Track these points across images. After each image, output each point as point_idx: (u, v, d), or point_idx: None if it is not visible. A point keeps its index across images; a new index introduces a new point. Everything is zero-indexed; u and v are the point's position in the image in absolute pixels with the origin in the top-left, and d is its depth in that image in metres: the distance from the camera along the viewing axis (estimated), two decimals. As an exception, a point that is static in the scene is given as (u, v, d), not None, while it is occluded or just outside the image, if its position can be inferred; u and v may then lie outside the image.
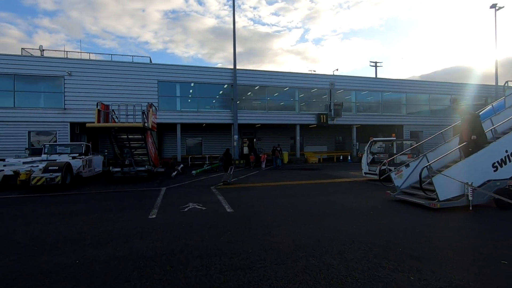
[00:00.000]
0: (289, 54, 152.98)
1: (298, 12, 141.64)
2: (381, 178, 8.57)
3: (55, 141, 18.80)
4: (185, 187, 10.99)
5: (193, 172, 14.61)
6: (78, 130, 20.73)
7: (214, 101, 23.90)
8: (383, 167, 8.90)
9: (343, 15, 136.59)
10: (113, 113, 12.56)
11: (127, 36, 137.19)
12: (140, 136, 12.50)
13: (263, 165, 21.75)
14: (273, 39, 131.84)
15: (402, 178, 7.94)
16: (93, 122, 11.80)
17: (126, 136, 12.39)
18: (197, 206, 7.23)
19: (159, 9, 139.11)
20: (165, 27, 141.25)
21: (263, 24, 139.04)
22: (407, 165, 8.01)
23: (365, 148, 12.25)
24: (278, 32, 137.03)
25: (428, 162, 7.49)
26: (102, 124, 11.15)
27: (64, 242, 4.65)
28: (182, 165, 17.76)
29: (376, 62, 40.39)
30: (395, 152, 11.29)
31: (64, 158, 12.87)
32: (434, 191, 6.59)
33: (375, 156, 12.30)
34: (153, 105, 13.09)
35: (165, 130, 26.21)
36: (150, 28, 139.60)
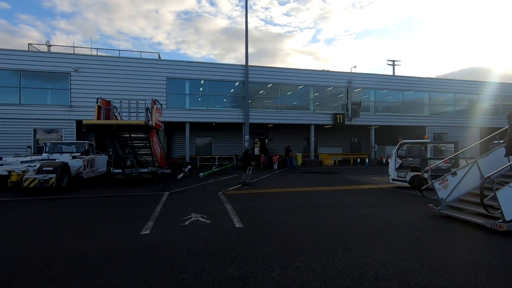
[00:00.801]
0: (301, 55, 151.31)
1: (310, 13, 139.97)
2: (422, 188, 7.18)
3: (61, 140, 18.15)
4: (190, 191, 9.88)
5: (201, 174, 13.53)
6: (84, 128, 19.95)
7: (224, 99, 22.83)
8: (425, 175, 7.50)
9: (356, 15, 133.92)
10: (115, 109, 11.61)
11: (140, 37, 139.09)
12: (144, 135, 11.49)
13: (275, 166, 20.64)
14: (284, 40, 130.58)
15: (448, 189, 6.55)
16: (93, 120, 10.86)
17: (128, 135, 11.40)
18: (200, 219, 6.08)
19: (172, 10, 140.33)
20: (177, 28, 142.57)
21: (275, 25, 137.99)
22: (454, 174, 6.61)
23: (393, 152, 10.83)
24: (290, 32, 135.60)
25: (481, 170, 6.11)
26: (100, 122, 10.19)
27: (19, 271, 3.57)
28: (189, 167, 16.74)
29: (393, 61, 38.49)
30: (428, 156, 9.83)
31: (65, 158, 12.04)
32: (496, 208, 5.22)
33: (404, 160, 10.86)
34: (157, 101, 12.07)
35: (174, 129, 25.37)
36: (163, 29, 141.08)
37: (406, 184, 10.30)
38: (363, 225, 5.64)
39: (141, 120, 10.50)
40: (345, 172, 16.97)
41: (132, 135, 11.44)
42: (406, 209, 7.13)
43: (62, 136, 18.73)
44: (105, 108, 11.08)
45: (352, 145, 31.74)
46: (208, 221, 5.89)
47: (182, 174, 13.91)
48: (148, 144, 11.79)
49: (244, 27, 21.26)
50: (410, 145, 12.17)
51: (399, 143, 10.54)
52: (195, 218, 6.10)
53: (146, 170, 11.69)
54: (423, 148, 10.04)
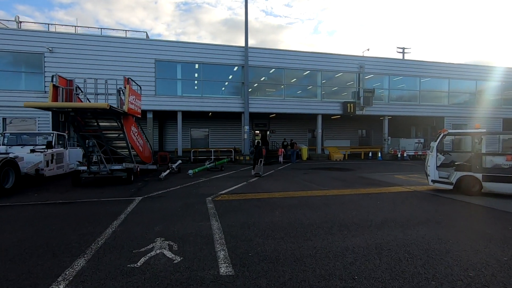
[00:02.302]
0: (302, 46, 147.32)
1: (311, 2, 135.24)
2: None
3: (35, 130, 15.87)
4: (170, 196, 7.59)
5: (190, 172, 11.23)
6: (63, 117, 17.70)
7: (223, 88, 20.39)
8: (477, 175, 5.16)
9: (358, 4, 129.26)
10: (79, 91, 9.24)
11: (140, 28, 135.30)
12: (116, 124, 9.17)
13: (281, 159, 18.87)
14: (285, 31, 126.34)
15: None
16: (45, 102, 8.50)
17: (96, 123, 9.08)
18: (166, 252, 3.80)
19: (171, 1, 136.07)
20: (177, 19, 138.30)
21: (275, 16, 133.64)
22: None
23: (433, 144, 8.48)
24: (291, 23, 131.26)
25: None
26: (45, 104, 7.88)
27: None
28: (179, 162, 14.43)
29: (403, 48, 35.71)
30: (483, 150, 7.47)
31: (25, 152, 9.78)
32: None
33: (446, 156, 8.50)
34: (132, 80, 9.68)
35: (167, 119, 23.10)
36: (162, 20, 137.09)
37: (449, 187, 7.98)
38: (430, 268, 3.33)
39: (110, 103, 8.13)
40: (360, 168, 14.64)
41: (100, 124, 9.12)
42: (477, 230, 4.82)
43: (37, 127, 16.45)
44: (65, 88, 8.72)
45: (361, 138, 29.38)
46: (177, 259, 3.60)
47: (168, 171, 11.64)
48: (122, 135, 9.47)
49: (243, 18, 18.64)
50: (455, 136, 9.78)
51: (441, 134, 8.17)
52: (158, 251, 3.82)
53: (119, 167, 9.38)
54: (476, 141, 7.67)
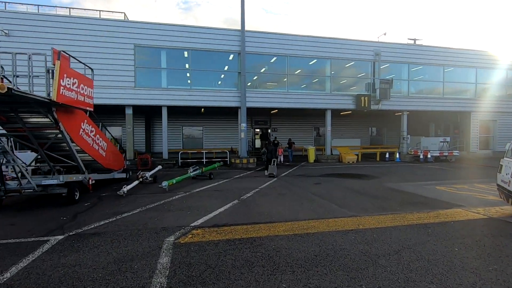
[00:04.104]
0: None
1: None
2: None
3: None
4: (107, 236, 4.71)
5: (164, 184, 8.36)
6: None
7: (219, 82, 17.49)
8: None
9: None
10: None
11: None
12: (49, 120, 6.33)
13: (281, 159, 16.96)
14: (284, 26, 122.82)
15: None
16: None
17: (19, 118, 6.24)
18: None
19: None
20: (177, 18, 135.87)
21: (275, 14, 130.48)
22: None
23: (509, 148, 5.61)
24: (289, 18, 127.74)
25: None
26: None
27: None
28: (159, 167, 11.71)
29: (415, 40, 32.56)
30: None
31: None
32: None
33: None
34: (70, 56, 6.80)
35: (155, 115, 20.38)
36: (162, 18, 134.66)
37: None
38: None
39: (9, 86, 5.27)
40: (382, 175, 11.74)
41: (26, 119, 6.28)
42: None
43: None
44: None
45: (372, 136, 26.47)
46: None
47: (136, 182, 8.83)
48: (60, 136, 6.62)
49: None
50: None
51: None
52: None
53: (53, 181, 6.53)
54: None
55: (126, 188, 7.69)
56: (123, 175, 10.28)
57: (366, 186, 9.14)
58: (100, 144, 8.93)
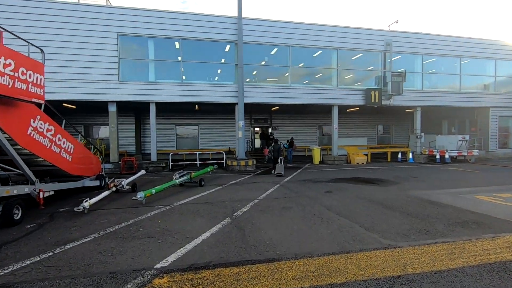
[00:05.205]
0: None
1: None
2: None
3: None
4: None
5: (140, 195, 6.65)
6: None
7: (214, 76, 15.79)
8: None
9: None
10: None
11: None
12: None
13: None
14: (285, 13, 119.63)
15: None
16: None
17: None
18: None
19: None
20: (175, 4, 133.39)
21: None
22: None
23: None
24: (291, 4, 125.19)
25: None
26: None
27: None
28: (142, 172, 10.11)
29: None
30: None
31: None
32: None
33: None
34: (2, 29, 5.13)
35: (146, 112, 18.76)
36: (151, 4, 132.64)
37: None
38: None
39: None
40: (402, 180, 10.04)
41: None
42: None
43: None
44: None
45: (380, 135, 24.79)
46: None
47: (107, 192, 7.17)
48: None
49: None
50: None
51: None
52: None
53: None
54: None
55: (87, 203, 5.99)
56: (96, 183, 8.59)
57: (389, 196, 7.44)
58: (63, 146, 7.26)
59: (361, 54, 16.85)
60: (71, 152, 7.63)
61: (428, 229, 4.82)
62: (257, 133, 22.73)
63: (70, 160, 7.58)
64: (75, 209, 5.80)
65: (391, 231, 4.70)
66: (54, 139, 6.90)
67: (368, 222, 5.19)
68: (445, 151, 16.36)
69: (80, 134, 9.34)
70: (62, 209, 6.37)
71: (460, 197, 7.26)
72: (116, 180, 8.07)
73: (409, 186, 8.91)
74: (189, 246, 4.13)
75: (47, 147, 6.61)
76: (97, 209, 6.29)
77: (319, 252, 3.89)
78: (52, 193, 6.78)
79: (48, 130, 6.64)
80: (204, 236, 4.56)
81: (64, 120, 7.57)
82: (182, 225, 5.15)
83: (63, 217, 5.73)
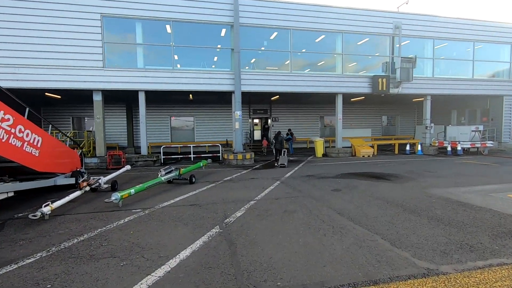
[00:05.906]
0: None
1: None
2: None
3: None
4: None
5: (115, 196, 5.59)
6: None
7: (209, 62, 14.57)
8: None
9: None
10: None
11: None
12: None
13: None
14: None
15: None
16: None
17: None
18: None
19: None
20: None
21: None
22: None
23: None
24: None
25: None
26: None
27: None
28: (127, 167, 9.08)
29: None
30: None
31: None
32: None
33: None
34: None
35: (138, 103, 17.62)
36: None
37: None
38: None
39: None
40: (417, 175, 8.97)
41: None
42: None
43: None
44: None
45: (385, 126, 23.66)
46: None
47: (78, 192, 6.12)
48: None
49: None
50: None
51: None
52: None
53: None
54: None
55: (47, 208, 4.93)
56: (71, 181, 7.52)
57: (408, 195, 6.38)
58: (26, 139, 6.17)
59: (367, 39, 15.58)
60: (38, 146, 6.54)
61: (471, 243, 3.76)
62: (256, 124, 21.61)
63: (37, 155, 6.50)
64: (30, 216, 4.73)
65: (425, 247, 3.64)
66: (13, 131, 5.81)
67: (392, 233, 4.14)
68: (457, 142, 15.27)
69: (51, 125, 8.19)
70: (20, 214, 5.32)
71: (492, 196, 6.21)
72: (92, 177, 7.00)
73: (427, 182, 7.85)
74: (160, 272, 3.08)
75: (2, 140, 5.52)
76: (62, 214, 5.24)
77: (336, 283, 2.84)
78: (11, 194, 5.73)
79: (3, 120, 5.55)
80: (183, 254, 3.51)
81: (27, 109, 6.46)
82: (158, 237, 4.10)
83: (15, 226, 4.68)
